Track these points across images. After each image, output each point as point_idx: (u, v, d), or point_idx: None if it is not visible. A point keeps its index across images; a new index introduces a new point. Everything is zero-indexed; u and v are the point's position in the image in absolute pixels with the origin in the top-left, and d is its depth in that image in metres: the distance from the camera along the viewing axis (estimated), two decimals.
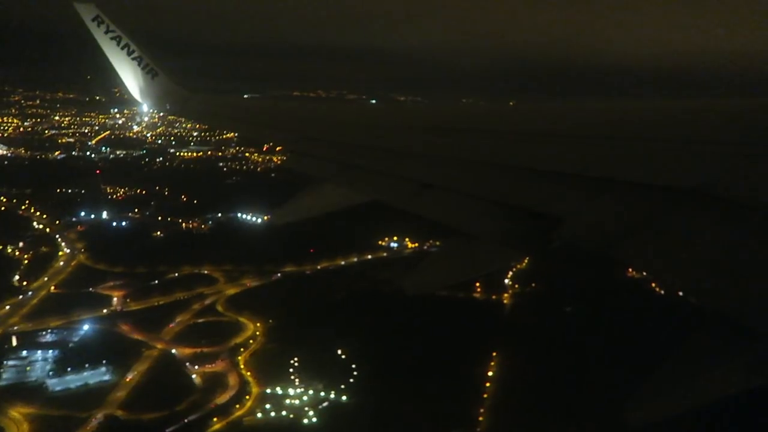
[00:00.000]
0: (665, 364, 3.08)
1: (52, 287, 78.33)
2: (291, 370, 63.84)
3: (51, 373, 60.23)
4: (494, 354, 69.13)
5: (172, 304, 76.66)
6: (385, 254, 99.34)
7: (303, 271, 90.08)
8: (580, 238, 4.07)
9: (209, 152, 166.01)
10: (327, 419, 57.83)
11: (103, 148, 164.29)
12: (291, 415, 57.72)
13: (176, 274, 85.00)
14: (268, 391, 60.87)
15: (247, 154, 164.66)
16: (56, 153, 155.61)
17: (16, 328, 68.45)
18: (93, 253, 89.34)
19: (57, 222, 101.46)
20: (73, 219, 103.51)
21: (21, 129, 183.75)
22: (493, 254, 5.45)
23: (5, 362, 61.53)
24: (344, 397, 60.78)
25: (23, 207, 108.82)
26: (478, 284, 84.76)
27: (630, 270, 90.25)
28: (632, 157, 4.98)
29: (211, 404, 57.74)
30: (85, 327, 69.11)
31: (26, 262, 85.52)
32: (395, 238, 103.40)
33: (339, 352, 67.52)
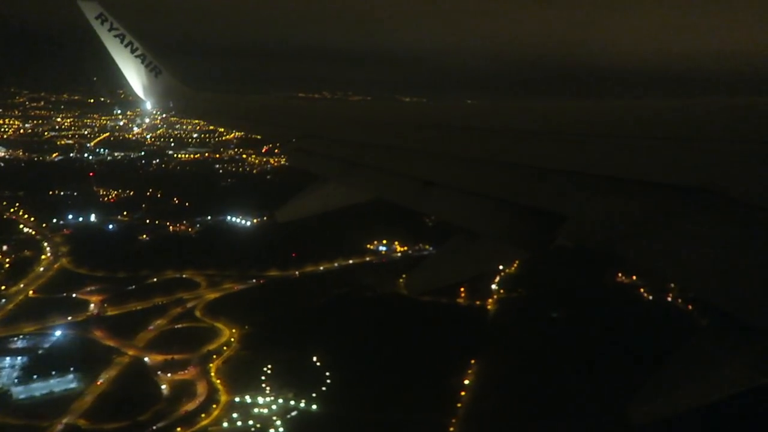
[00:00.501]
0: (669, 362, 3.06)
1: (31, 292, 77.68)
2: (263, 377, 62.71)
3: (17, 380, 59.44)
4: (472, 362, 67.71)
5: (149, 310, 75.79)
6: (373, 258, 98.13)
7: (287, 276, 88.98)
8: (584, 235, 4.05)
9: (206, 154, 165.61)
10: (294, 429, 56.74)
11: (102, 150, 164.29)
12: (258, 425, 56.58)
13: (157, 279, 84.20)
14: (237, 399, 59.77)
15: (244, 156, 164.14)
16: (54, 155, 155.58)
17: None
18: (75, 257, 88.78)
19: (44, 225, 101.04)
20: (61, 222, 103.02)
21: (21, 131, 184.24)
22: (496, 252, 5.47)
23: None
24: (314, 406, 59.59)
25: (12, 210, 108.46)
26: (462, 289, 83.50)
27: (619, 275, 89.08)
28: (637, 155, 4.94)
29: (177, 413, 56.69)
30: (58, 333, 68.29)
31: (7, 266, 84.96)
32: (384, 242, 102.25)
33: (314, 359, 66.38)
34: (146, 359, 65.07)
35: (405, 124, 9.20)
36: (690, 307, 77.13)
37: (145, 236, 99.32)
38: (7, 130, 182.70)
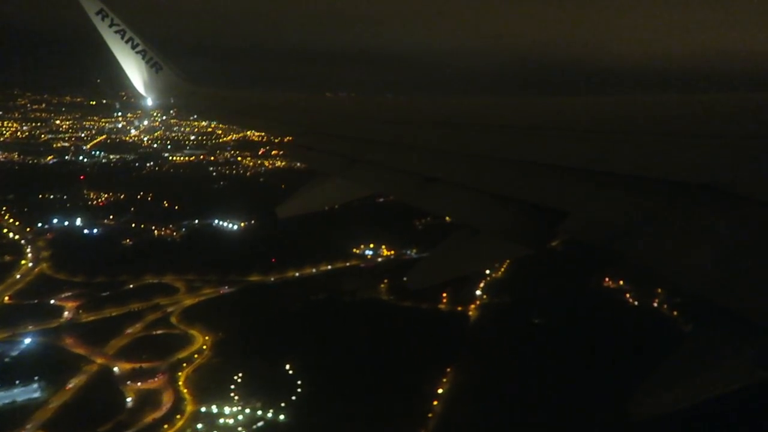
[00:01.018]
0: (670, 358, 3.08)
1: (6, 298, 77.04)
2: (232, 386, 61.56)
3: None
4: (448, 370, 66.34)
5: (124, 316, 74.91)
6: (358, 263, 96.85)
7: (268, 281, 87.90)
8: (585, 232, 3.98)
9: (201, 156, 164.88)
10: None
11: (97, 152, 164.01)
12: None
13: (136, 284, 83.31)
14: (203, 409, 58.73)
15: (239, 158, 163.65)
16: (49, 157, 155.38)
17: None
18: (56, 262, 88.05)
19: (28, 229, 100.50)
20: (46, 226, 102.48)
21: (19, 133, 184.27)
22: (498, 248, 5.39)
23: None
24: (281, 417, 58.45)
25: None
26: (444, 294, 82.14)
27: (606, 279, 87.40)
28: (639, 152, 4.88)
29: (139, 424, 55.72)
30: (28, 340, 67.44)
31: None
32: (372, 246, 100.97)
33: (287, 367, 65.20)
34: (114, 368, 64.08)
35: (406, 119, 9.18)
36: (675, 313, 75.58)
37: (128, 240, 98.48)
38: (4, 132, 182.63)
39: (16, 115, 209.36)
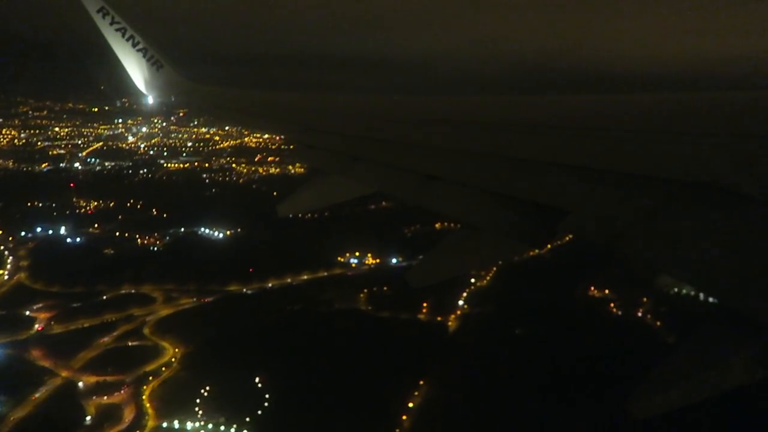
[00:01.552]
0: (671, 356, 3.07)
1: None
2: (198, 400, 60.27)
3: None
4: (421, 383, 64.69)
5: (96, 327, 73.81)
6: (341, 271, 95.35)
7: (247, 291, 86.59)
8: (586, 230, 3.97)
9: (196, 163, 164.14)
10: None
11: (92, 159, 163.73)
12: None
13: (113, 294, 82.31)
14: (165, 424, 57.48)
15: (234, 165, 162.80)
16: (43, 165, 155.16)
17: None
18: (34, 272, 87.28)
19: (10, 238, 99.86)
20: (29, 235, 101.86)
21: (16, 141, 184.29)
22: (498, 246, 5.33)
23: None
24: None
25: None
26: (425, 304, 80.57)
27: (592, 288, 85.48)
28: (641, 150, 4.75)
29: None
30: None
31: None
32: (357, 254, 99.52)
33: (256, 380, 63.81)
34: (79, 381, 62.91)
35: (407, 117, 9.05)
36: (659, 323, 73.72)
37: (110, 250, 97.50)
38: (1, 140, 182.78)
39: (16, 122, 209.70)
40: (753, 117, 4.94)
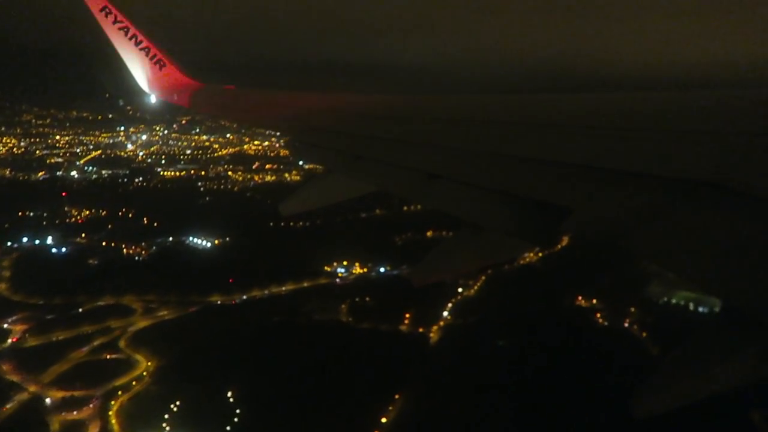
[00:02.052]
0: (674, 354, 3.06)
1: None
2: (166, 416, 59.00)
3: None
4: (396, 397, 63.12)
5: (71, 340, 72.64)
6: (326, 281, 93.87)
7: (228, 302, 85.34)
8: (589, 228, 3.92)
9: (192, 171, 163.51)
10: None
11: (90, 168, 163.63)
12: None
13: (92, 306, 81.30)
14: None
15: (230, 173, 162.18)
16: (40, 173, 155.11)
17: None
18: (15, 283, 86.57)
19: None
20: (15, 245, 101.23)
21: (15, 149, 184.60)
22: (502, 245, 5.24)
23: None
24: None
25: None
26: (408, 315, 79.02)
27: (579, 298, 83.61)
28: (644, 148, 4.67)
29: None
30: None
31: None
32: (345, 263, 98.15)
33: (228, 394, 62.46)
34: (46, 396, 61.75)
35: (409, 116, 8.98)
36: (644, 334, 71.89)
37: (94, 260, 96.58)
38: (1, 149, 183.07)
39: (18, 130, 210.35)
40: (757, 115, 4.79)
